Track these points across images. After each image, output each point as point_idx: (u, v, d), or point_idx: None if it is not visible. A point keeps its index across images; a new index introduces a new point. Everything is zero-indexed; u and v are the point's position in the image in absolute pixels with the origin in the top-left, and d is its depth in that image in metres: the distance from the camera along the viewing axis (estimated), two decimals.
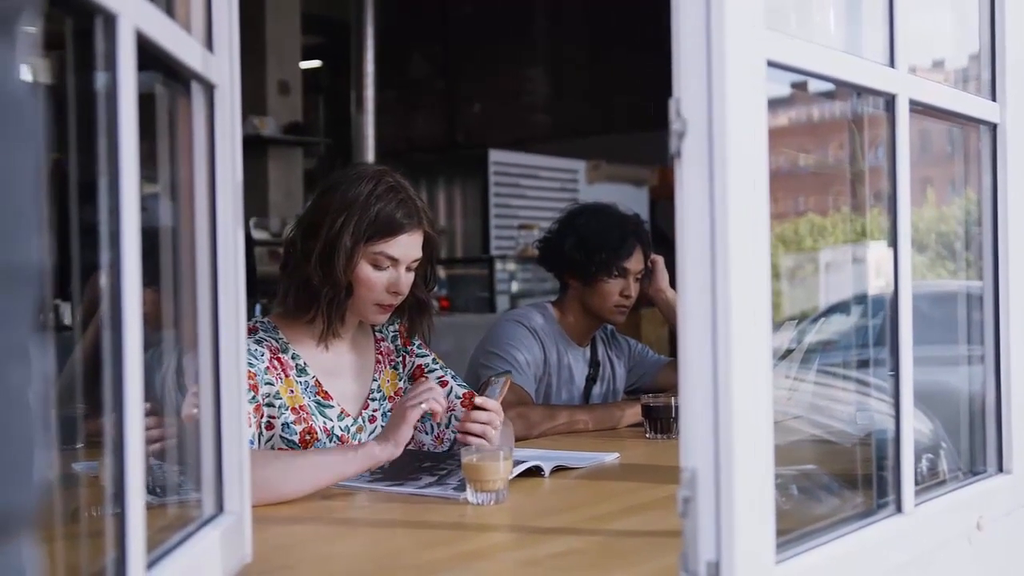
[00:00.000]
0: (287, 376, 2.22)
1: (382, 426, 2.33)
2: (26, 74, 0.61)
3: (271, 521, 1.76)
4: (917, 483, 1.57)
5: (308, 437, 2.21)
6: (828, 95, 1.77)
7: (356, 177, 2.26)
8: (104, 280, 1.03)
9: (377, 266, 2.23)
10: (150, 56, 1.13)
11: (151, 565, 1.11)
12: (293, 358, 2.26)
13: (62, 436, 1.36)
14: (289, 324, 2.29)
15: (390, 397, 2.40)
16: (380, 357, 2.42)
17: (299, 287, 2.24)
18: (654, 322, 6.90)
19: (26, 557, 0.59)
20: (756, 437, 1.21)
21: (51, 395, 0.64)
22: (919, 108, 1.61)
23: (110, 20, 1.01)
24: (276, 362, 2.20)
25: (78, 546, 1.30)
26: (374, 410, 2.37)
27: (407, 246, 2.25)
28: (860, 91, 1.59)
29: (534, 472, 2.15)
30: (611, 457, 2.39)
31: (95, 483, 1.49)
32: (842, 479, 1.77)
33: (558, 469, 2.22)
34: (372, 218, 2.20)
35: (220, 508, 1.39)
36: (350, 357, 2.36)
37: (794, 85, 1.51)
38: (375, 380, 2.39)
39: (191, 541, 1.26)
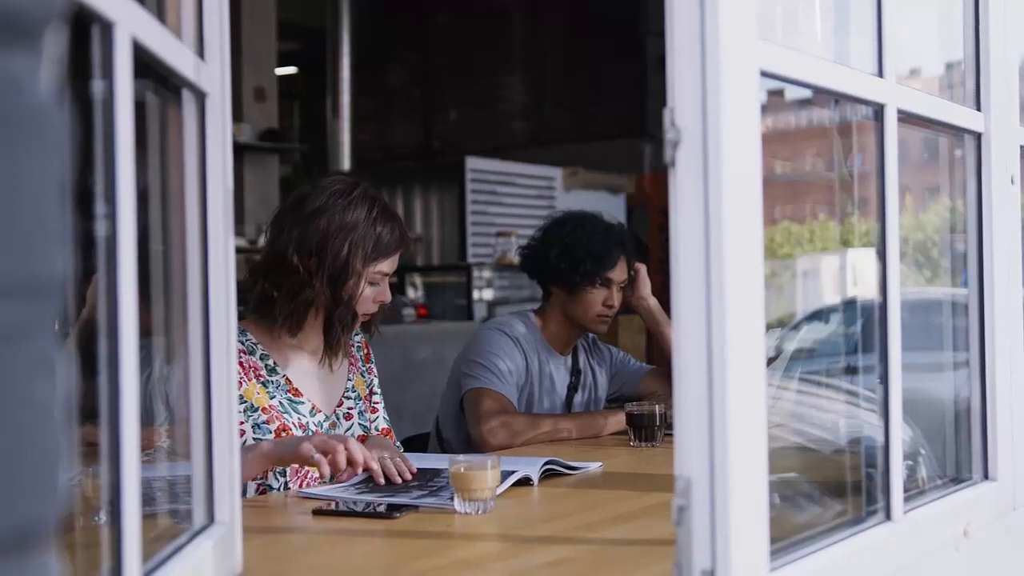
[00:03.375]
0: (250, 379, 2.28)
1: (359, 423, 2.44)
2: (51, 83, 0.60)
3: (261, 532, 1.75)
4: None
5: (284, 434, 2.26)
6: (804, 103, 1.77)
7: (346, 200, 2.31)
8: (100, 288, 1.02)
9: (373, 283, 2.34)
10: (142, 63, 1.12)
11: None
12: (262, 359, 2.32)
13: None
14: (263, 327, 2.35)
15: (365, 397, 2.49)
16: (352, 360, 2.50)
17: (303, 307, 2.30)
18: (631, 329, 6.92)
19: (52, 567, 0.59)
20: (751, 445, 1.22)
21: (73, 406, 0.63)
22: (906, 117, 1.62)
23: (107, 28, 1.00)
24: (238, 365, 2.22)
25: (68, 557, 1.29)
26: (349, 408, 2.45)
27: (396, 261, 2.38)
28: (850, 100, 1.60)
29: (522, 481, 2.14)
30: (595, 466, 2.39)
31: (78, 493, 1.48)
32: (829, 487, 1.77)
33: (548, 474, 2.23)
34: (375, 241, 2.31)
35: (211, 518, 1.38)
36: (323, 364, 2.41)
37: (771, 92, 1.51)
38: (349, 380, 2.47)
39: (184, 552, 1.25)
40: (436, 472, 2.22)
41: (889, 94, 1.54)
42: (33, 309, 0.57)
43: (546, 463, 2.23)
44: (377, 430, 2.44)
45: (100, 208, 1.02)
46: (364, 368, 2.53)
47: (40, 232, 0.57)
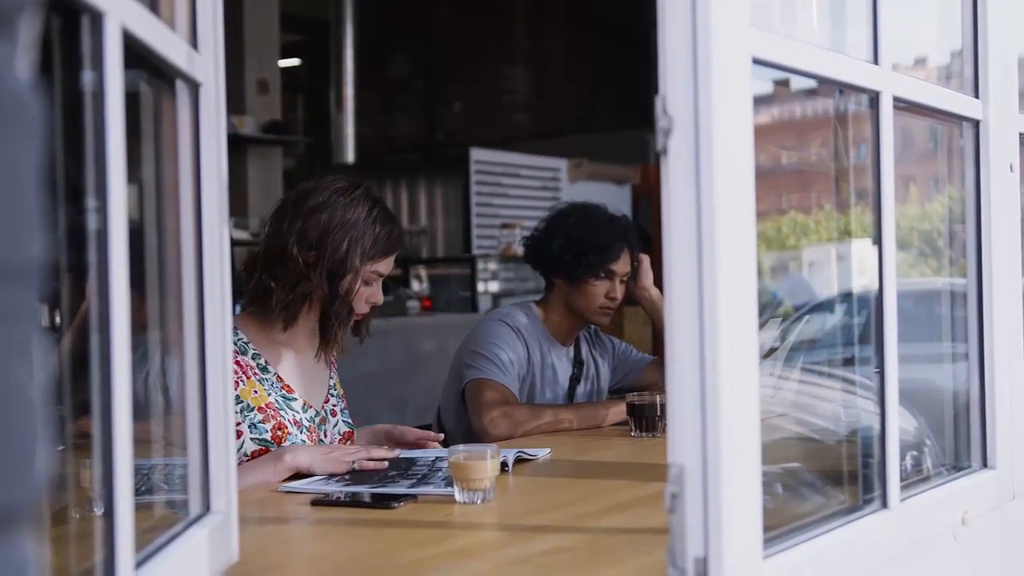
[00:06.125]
0: (248, 378, 2.30)
1: (343, 420, 2.49)
2: (26, 70, 0.61)
3: (257, 521, 1.76)
4: (902, 479, 1.58)
5: (280, 433, 2.29)
6: (810, 92, 1.77)
7: (348, 198, 2.34)
8: (91, 281, 1.02)
9: (367, 282, 2.36)
10: (135, 54, 1.12)
11: (139, 565, 1.11)
12: (253, 358, 2.34)
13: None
14: (254, 324, 2.38)
15: (342, 396, 2.53)
16: (332, 360, 2.54)
17: (299, 300, 2.32)
18: (636, 321, 6.92)
19: (29, 550, 0.60)
20: (743, 433, 1.22)
21: (51, 391, 0.64)
22: (902, 105, 1.61)
23: (97, 18, 1.00)
24: (235, 365, 2.24)
25: (63, 547, 1.29)
26: (333, 405, 2.49)
27: (392, 263, 2.41)
28: (844, 88, 1.59)
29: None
30: (543, 452, 2.42)
31: (75, 484, 1.49)
32: (828, 476, 1.77)
33: (519, 461, 2.28)
34: (373, 240, 2.33)
35: (207, 508, 1.39)
36: (309, 356, 2.44)
37: (776, 82, 1.51)
38: (331, 378, 2.51)
39: (178, 540, 1.26)
40: (411, 461, 2.23)
41: (884, 81, 1.54)
42: (9, 294, 0.58)
43: (516, 459, 2.27)
44: (339, 434, 2.46)
45: (91, 201, 1.02)
46: (336, 371, 2.58)
47: (16, 218, 0.58)
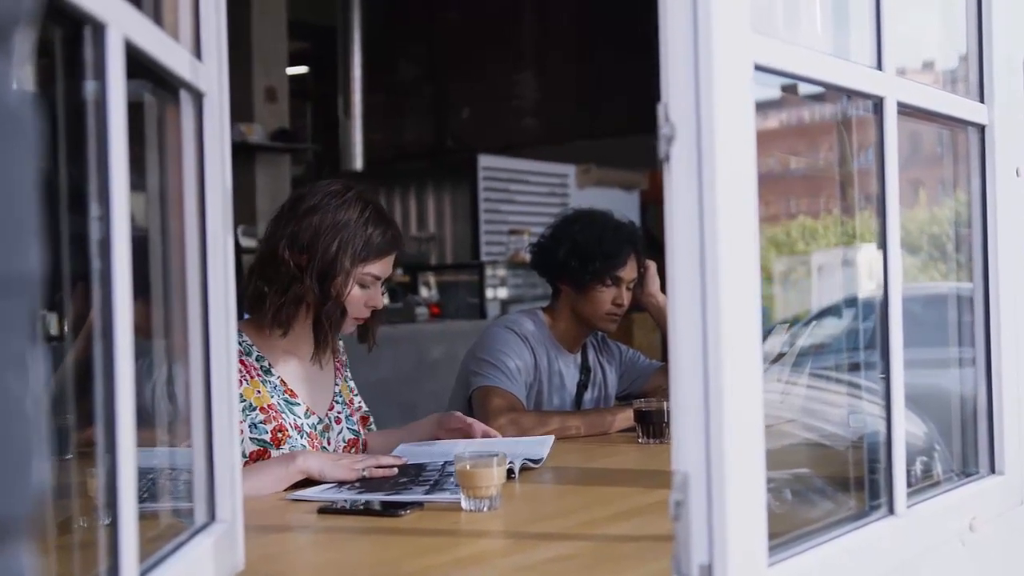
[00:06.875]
0: (252, 378, 2.31)
1: (347, 428, 2.48)
2: (23, 83, 0.61)
3: (263, 530, 1.75)
4: (910, 485, 1.58)
5: (280, 435, 2.30)
6: (818, 98, 1.77)
7: (340, 200, 2.35)
8: (95, 290, 1.02)
9: (363, 285, 2.36)
10: (138, 64, 1.12)
11: (144, 574, 1.11)
12: (258, 360, 2.35)
13: (53, 446, 1.36)
14: (258, 329, 2.38)
15: (348, 402, 2.53)
16: (338, 366, 2.54)
17: (292, 303, 2.32)
18: (645, 327, 6.90)
19: (25, 563, 0.60)
20: (748, 440, 1.21)
21: (47, 404, 0.64)
22: (907, 110, 1.61)
23: (99, 29, 1.00)
24: (239, 365, 2.25)
25: (69, 556, 1.30)
26: (338, 412, 2.49)
27: (390, 265, 2.40)
28: (848, 94, 1.59)
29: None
30: (548, 440, 2.47)
31: (83, 493, 1.49)
32: (835, 482, 1.77)
33: (525, 469, 2.27)
34: (366, 241, 2.33)
35: (212, 516, 1.39)
36: (313, 363, 2.43)
37: (784, 88, 1.51)
38: (336, 385, 2.51)
39: (183, 549, 1.26)
40: (421, 468, 2.23)
41: (888, 87, 1.54)
42: (7, 305, 0.58)
43: (522, 466, 2.27)
44: (344, 441, 2.47)
45: (94, 210, 1.03)
46: (346, 375, 2.58)
47: (12, 230, 0.58)
